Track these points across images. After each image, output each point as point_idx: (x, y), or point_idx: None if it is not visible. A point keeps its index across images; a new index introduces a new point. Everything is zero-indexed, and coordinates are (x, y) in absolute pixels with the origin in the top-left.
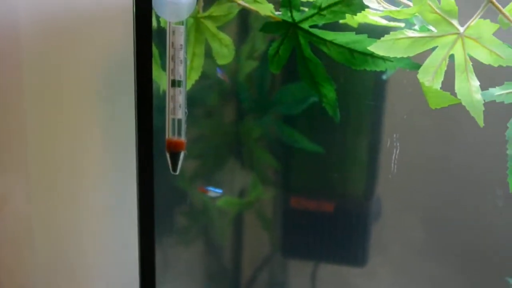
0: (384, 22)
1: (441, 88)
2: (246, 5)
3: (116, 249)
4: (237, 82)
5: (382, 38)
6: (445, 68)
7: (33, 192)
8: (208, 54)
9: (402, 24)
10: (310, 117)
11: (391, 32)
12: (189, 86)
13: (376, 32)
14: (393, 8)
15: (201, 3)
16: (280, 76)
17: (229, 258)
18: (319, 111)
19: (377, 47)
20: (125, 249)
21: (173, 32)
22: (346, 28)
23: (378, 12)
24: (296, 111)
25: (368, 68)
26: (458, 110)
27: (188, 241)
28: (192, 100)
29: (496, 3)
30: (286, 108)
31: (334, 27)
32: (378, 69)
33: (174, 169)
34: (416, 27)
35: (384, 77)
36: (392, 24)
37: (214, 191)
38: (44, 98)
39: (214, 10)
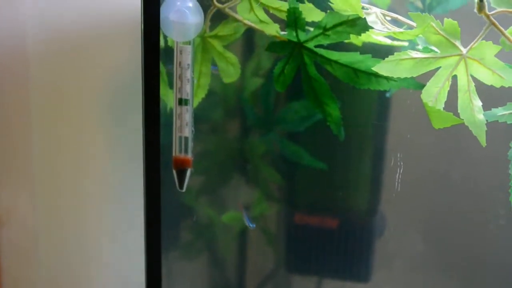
0: (388, 42)
1: (444, 108)
2: (252, 25)
3: (122, 263)
4: (242, 99)
5: (386, 59)
6: (448, 89)
7: (38, 204)
8: (215, 75)
9: (406, 43)
10: (314, 134)
11: (395, 53)
12: (195, 103)
13: (381, 51)
14: (396, 29)
15: (208, 23)
16: (285, 93)
17: (233, 273)
18: (323, 129)
19: (380, 68)
20: (130, 263)
21: (181, 51)
22: (350, 46)
23: (382, 32)
24: (301, 128)
25: (372, 88)
26: (461, 129)
27: (193, 256)
28: (197, 116)
29: (498, 25)
30: (290, 126)
31: (339, 46)
32: (381, 89)
33: (181, 187)
34: (420, 46)
35: (387, 94)
36: (396, 43)
37: (247, 221)
38: (50, 113)
39: (221, 30)
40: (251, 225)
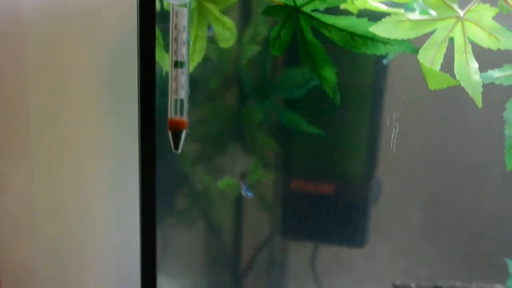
0: (384, 8)
1: (440, 70)
2: None
3: (119, 230)
4: (239, 67)
5: (383, 20)
6: (445, 50)
7: (35, 172)
8: (211, 38)
9: (402, 10)
10: (311, 101)
11: (392, 14)
12: (191, 68)
13: (376, 18)
14: None
15: None
16: (282, 61)
17: (229, 240)
18: (319, 96)
19: (377, 29)
20: (127, 229)
21: (176, 14)
22: (346, 14)
23: None
24: (297, 95)
25: (368, 52)
26: (457, 91)
27: (189, 223)
28: (194, 84)
29: None
30: (287, 93)
31: (335, 12)
32: (378, 53)
33: (176, 148)
34: (416, 12)
35: (384, 62)
36: (392, 10)
37: (245, 191)
38: (47, 79)
39: None
40: (249, 194)
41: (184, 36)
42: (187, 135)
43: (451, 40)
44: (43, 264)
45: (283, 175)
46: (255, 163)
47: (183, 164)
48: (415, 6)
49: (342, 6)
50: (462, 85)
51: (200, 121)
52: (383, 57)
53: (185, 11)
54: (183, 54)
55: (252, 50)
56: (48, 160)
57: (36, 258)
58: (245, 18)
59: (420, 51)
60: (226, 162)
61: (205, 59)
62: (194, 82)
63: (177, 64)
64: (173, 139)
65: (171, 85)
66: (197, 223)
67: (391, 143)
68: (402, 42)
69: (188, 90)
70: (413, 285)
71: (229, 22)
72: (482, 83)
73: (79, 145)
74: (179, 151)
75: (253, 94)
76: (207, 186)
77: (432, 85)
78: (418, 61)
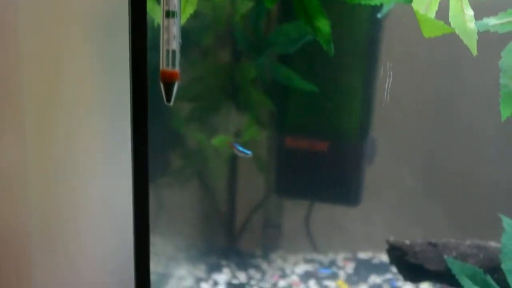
0: None
1: (435, 17)
2: None
3: (112, 194)
4: (233, 23)
5: None
6: None
7: (28, 136)
8: None
9: None
10: (305, 56)
11: None
12: (183, 20)
13: None
14: None
15: None
16: (275, 16)
17: (223, 200)
18: (313, 51)
19: None
20: (120, 192)
21: None
22: None
23: None
24: (291, 50)
25: (362, 2)
26: (452, 39)
27: (183, 182)
28: (188, 40)
29: None
30: (281, 48)
31: None
32: (372, 3)
33: (168, 100)
34: None
35: (379, 15)
36: None
37: (243, 151)
38: (39, 39)
39: None
40: (247, 152)
41: None
42: (180, 94)
43: None
44: (35, 228)
45: (277, 133)
46: (249, 121)
47: (176, 123)
48: None
49: None
50: (457, 32)
51: (193, 79)
52: (378, 8)
53: None
54: (175, 3)
55: (245, 5)
56: (40, 123)
57: (28, 223)
58: None
59: None
60: (219, 120)
61: (198, 14)
62: (186, 38)
63: (168, 14)
64: (165, 91)
65: (163, 36)
66: (191, 183)
67: (385, 92)
68: None
69: (180, 41)
70: (407, 242)
71: None
72: (477, 31)
73: (72, 107)
74: (171, 103)
75: (246, 51)
76: (201, 144)
77: (427, 32)
78: (412, 10)
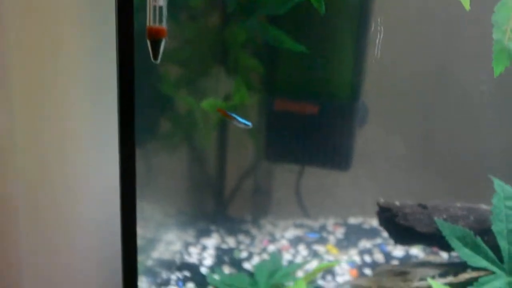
0: None
1: None
2: None
3: (99, 165)
4: None
5: None
6: None
7: (15, 107)
8: None
9: None
10: (295, 17)
11: None
12: None
13: None
14: None
15: None
16: None
17: (213, 165)
18: (303, 11)
19: None
20: (107, 163)
21: None
22: None
23: None
24: (281, 11)
25: None
26: None
27: (172, 147)
28: (176, 3)
29: None
30: (271, 9)
31: None
32: None
33: (155, 57)
34: None
35: None
36: None
37: (242, 122)
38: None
39: None
40: (248, 123)
41: None
42: (169, 57)
43: None
44: (22, 200)
45: (267, 95)
46: (238, 84)
47: (165, 86)
48: None
49: None
50: None
51: (182, 42)
52: None
53: None
54: None
55: None
56: (27, 93)
57: (15, 191)
58: None
59: None
60: (209, 83)
61: None
62: (175, 0)
63: None
64: (152, 48)
65: None
66: (180, 148)
67: (376, 49)
68: None
69: None
70: (397, 203)
71: None
72: None
73: (59, 73)
74: (158, 61)
75: (236, 13)
76: (190, 108)
77: None
78: None
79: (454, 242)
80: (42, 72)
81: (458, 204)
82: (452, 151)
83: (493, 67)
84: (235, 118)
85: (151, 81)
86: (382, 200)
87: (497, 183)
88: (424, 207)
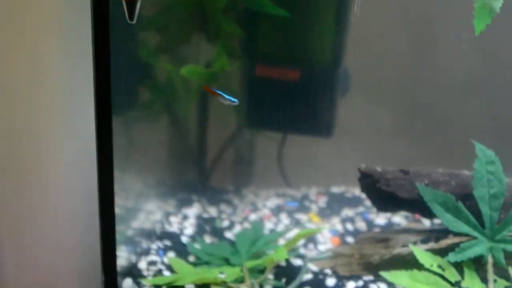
0: None
1: None
2: None
3: (74, 124)
4: None
5: None
6: None
7: None
8: None
9: None
10: None
11: None
12: None
13: None
14: None
15: None
16: None
17: (193, 134)
18: None
19: None
20: (84, 127)
21: None
22: None
23: None
24: None
25: None
26: None
27: (153, 117)
28: None
29: None
30: None
31: None
32: None
33: (131, 18)
34: None
35: None
36: None
37: (228, 99)
38: None
39: None
40: (234, 100)
41: None
42: (148, 23)
43: None
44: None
45: (248, 61)
46: (219, 51)
47: (144, 53)
48: None
49: None
50: None
51: (161, 8)
52: None
53: None
54: None
55: None
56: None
57: None
58: None
59: None
60: (189, 51)
61: None
62: None
63: None
64: (128, 9)
65: None
66: (161, 117)
67: (356, 6)
68: None
69: None
70: (378, 169)
71: None
72: None
73: (33, 46)
74: (134, 21)
75: None
76: (170, 75)
77: None
78: None
79: (435, 208)
80: (16, 41)
81: (440, 170)
82: (435, 118)
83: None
84: (220, 95)
85: (129, 48)
86: (363, 166)
87: (479, 148)
88: (405, 172)
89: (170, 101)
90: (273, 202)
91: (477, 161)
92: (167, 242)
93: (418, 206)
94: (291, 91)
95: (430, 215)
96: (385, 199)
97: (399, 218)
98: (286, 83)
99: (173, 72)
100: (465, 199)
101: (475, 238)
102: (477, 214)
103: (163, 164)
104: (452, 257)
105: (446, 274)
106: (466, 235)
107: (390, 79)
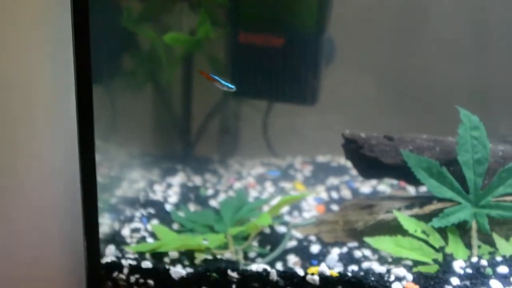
0: None
1: None
2: None
3: (59, 103)
4: None
5: None
6: None
7: None
8: None
9: None
10: None
11: None
12: None
13: None
14: None
15: None
16: None
17: (178, 104)
18: None
19: None
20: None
21: None
22: None
23: None
24: None
25: None
26: None
27: (137, 86)
28: None
29: None
30: None
31: None
32: None
33: None
34: None
35: None
36: None
37: (226, 85)
38: None
39: None
40: (231, 87)
41: None
42: None
43: None
44: None
45: (231, 29)
46: (202, 18)
47: (127, 22)
48: None
49: None
50: None
51: None
52: None
53: None
54: None
55: None
56: None
57: None
58: None
59: None
60: (172, 19)
61: None
62: None
63: None
64: None
65: None
66: (145, 87)
67: None
68: None
69: None
70: (363, 134)
71: None
72: None
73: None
74: None
75: None
76: (153, 43)
77: None
78: None
79: (420, 173)
80: None
81: (424, 136)
82: (421, 86)
83: None
84: (217, 81)
85: (112, 15)
86: (347, 132)
87: (463, 113)
88: (390, 138)
89: (153, 70)
90: (258, 171)
91: (462, 127)
92: (151, 210)
93: (403, 173)
94: (275, 58)
95: (414, 182)
96: (369, 165)
97: (384, 187)
98: (270, 50)
99: (156, 39)
100: (449, 165)
101: (459, 203)
102: (462, 180)
103: (147, 133)
104: (436, 222)
105: (430, 239)
106: (450, 200)
107: (376, 47)
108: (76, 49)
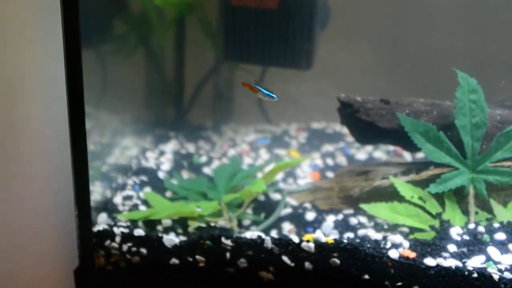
0: None
1: None
2: None
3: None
4: None
5: None
6: None
7: None
8: None
9: None
10: None
11: None
12: None
13: None
14: None
15: None
16: None
17: (170, 71)
18: None
19: None
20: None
21: None
22: None
23: None
24: None
25: None
26: None
27: (128, 51)
28: None
29: None
30: None
31: None
32: None
33: None
34: None
35: None
36: None
37: (268, 95)
38: None
39: None
40: (274, 96)
41: None
42: None
43: None
44: None
45: None
46: None
47: None
48: None
49: None
50: None
51: None
52: None
53: None
54: None
55: None
56: None
57: None
58: None
59: None
60: None
61: None
62: None
63: None
64: None
65: None
66: (136, 52)
67: None
68: None
69: None
70: (358, 98)
71: None
72: None
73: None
74: None
75: None
76: (144, 5)
77: None
78: None
79: (416, 138)
80: None
81: (421, 100)
82: (417, 52)
83: None
84: (260, 91)
85: None
86: (343, 95)
87: (461, 76)
88: (386, 102)
89: (144, 33)
90: (252, 137)
91: (459, 90)
92: (144, 178)
93: (399, 137)
94: (269, 21)
95: (411, 147)
96: (365, 129)
97: (380, 153)
98: (264, 12)
99: (147, 2)
100: (446, 129)
101: (456, 168)
102: (459, 145)
103: (139, 99)
104: (433, 188)
105: (427, 206)
106: (447, 166)
107: (371, 11)
108: (65, 17)
